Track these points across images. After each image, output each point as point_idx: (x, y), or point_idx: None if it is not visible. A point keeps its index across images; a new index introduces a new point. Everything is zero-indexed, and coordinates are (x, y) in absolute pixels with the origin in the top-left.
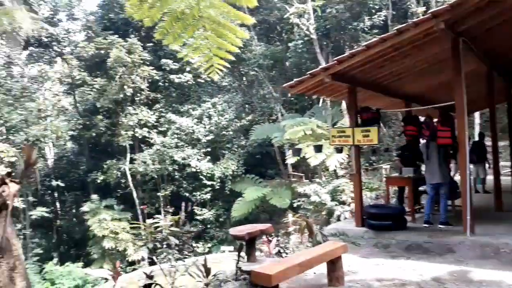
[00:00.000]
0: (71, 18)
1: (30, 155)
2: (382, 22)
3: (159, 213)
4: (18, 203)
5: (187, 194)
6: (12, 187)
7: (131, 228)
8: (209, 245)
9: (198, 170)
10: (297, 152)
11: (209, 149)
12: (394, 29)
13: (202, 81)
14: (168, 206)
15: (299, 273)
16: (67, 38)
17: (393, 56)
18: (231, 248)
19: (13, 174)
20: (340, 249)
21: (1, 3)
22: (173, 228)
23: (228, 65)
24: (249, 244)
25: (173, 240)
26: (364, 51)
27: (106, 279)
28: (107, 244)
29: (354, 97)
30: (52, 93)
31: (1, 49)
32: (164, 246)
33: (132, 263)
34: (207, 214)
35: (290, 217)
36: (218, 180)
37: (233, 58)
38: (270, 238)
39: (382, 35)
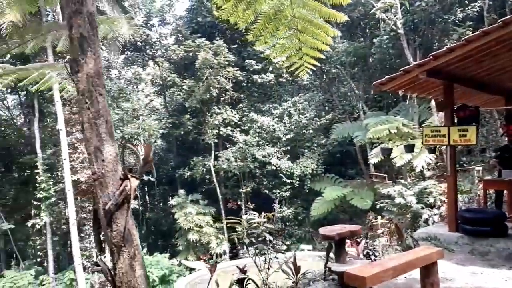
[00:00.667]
0: (162, 23)
1: (149, 153)
2: (476, 14)
3: (241, 209)
4: None
5: (267, 191)
6: (133, 182)
7: (227, 223)
8: (288, 242)
9: (278, 168)
10: (386, 151)
11: (289, 148)
12: (499, 21)
13: (284, 80)
14: (249, 203)
15: (393, 277)
16: (159, 42)
17: (496, 50)
18: (310, 247)
19: (133, 170)
20: (436, 254)
21: (103, 12)
22: (267, 225)
23: (318, 64)
24: (338, 245)
25: (268, 237)
26: (463, 45)
27: (190, 271)
28: (192, 236)
29: (450, 94)
30: (144, 94)
31: (102, 54)
32: (257, 241)
33: (215, 256)
34: (286, 212)
35: (379, 219)
36: (298, 179)
37: (323, 57)
38: (358, 240)
39: (484, 28)
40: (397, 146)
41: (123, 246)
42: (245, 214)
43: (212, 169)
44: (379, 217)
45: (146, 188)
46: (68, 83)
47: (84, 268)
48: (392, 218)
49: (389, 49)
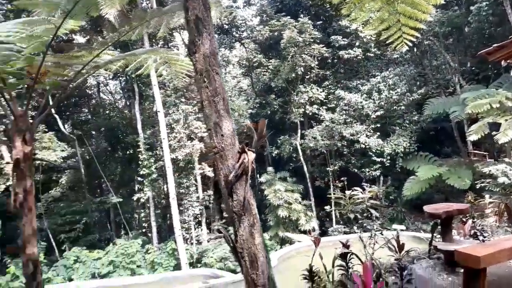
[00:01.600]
0: (247, 4)
1: (263, 129)
2: None
3: (329, 187)
4: (210, 172)
5: (355, 170)
6: (250, 155)
7: (335, 199)
8: (379, 222)
9: (367, 147)
10: (492, 128)
11: (378, 125)
12: None
13: (372, 55)
14: (337, 181)
15: (509, 259)
16: (244, 23)
17: None
18: (403, 227)
19: (249, 144)
20: None
21: None
22: (373, 201)
23: (419, 35)
24: (444, 223)
25: (374, 213)
26: None
27: (281, 245)
28: (281, 213)
29: None
30: (232, 76)
31: None
32: (362, 217)
33: (304, 232)
34: (371, 195)
35: (487, 198)
36: (388, 157)
37: (424, 27)
38: (463, 219)
39: None
40: (506, 120)
41: (243, 215)
42: (333, 192)
43: (299, 147)
44: (487, 196)
45: None
46: (164, 69)
47: (184, 239)
48: (499, 198)
49: (489, 16)
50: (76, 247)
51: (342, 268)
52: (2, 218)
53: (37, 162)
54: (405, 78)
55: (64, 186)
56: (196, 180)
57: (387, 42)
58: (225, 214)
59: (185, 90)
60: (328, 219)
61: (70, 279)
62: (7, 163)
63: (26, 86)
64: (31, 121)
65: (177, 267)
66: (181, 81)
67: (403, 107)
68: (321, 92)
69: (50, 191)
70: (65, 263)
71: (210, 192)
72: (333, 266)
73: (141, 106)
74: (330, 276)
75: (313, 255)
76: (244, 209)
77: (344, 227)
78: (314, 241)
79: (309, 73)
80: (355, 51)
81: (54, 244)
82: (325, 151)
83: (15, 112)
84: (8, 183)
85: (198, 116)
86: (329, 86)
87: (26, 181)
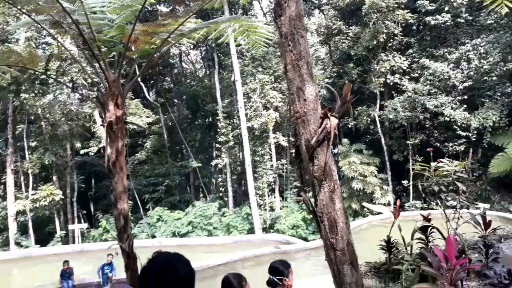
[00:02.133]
0: None
1: (347, 93)
2: None
3: (407, 161)
4: (284, 141)
5: (437, 144)
6: (333, 121)
7: (419, 169)
8: (464, 196)
9: (452, 120)
10: None
11: (465, 97)
12: None
13: (462, 21)
14: (417, 155)
15: None
16: None
17: None
18: (487, 206)
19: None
20: None
21: None
22: (460, 174)
23: None
24: None
25: (461, 186)
26: None
27: (354, 218)
28: (356, 185)
29: None
30: (309, 44)
31: (270, 6)
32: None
33: None
34: (459, 167)
35: None
36: (475, 132)
37: None
38: None
39: None
40: None
41: (324, 180)
42: (412, 167)
43: (377, 119)
44: None
45: None
46: (242, 38)
47: (258, 205)
48: None
49: None
50: (159, 207)
51: (421, 241)
52: (94, 177)
53: (126, 126)
54: (499, 46)
55: (148, 150)
56: (270, 149)
57: (482, 5)
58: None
59: (262, 60)
60: (404, 194)
61: (153, 236)
62: (101, 125)
63: (118, 53)
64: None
65: (251, 231)
66: (259, 51)
67: (494, 78)
68: (404, 60)
69: (136, 154)
70: (149, 221)
71: (284, 161)
72: (412, 239)
73: (220, 76)
74: (409, 248)
75: (392, 227)
76: (324, 174)
77: (422, 203)
78: (394, 213)
79: (391, 40)
80: (443, 17)
81: (139, 203)
82: (405, 124)
83: (109, 78)
84: (100, 145)
85: (274, 86)
86: (413, 55)
87: (118, 142)
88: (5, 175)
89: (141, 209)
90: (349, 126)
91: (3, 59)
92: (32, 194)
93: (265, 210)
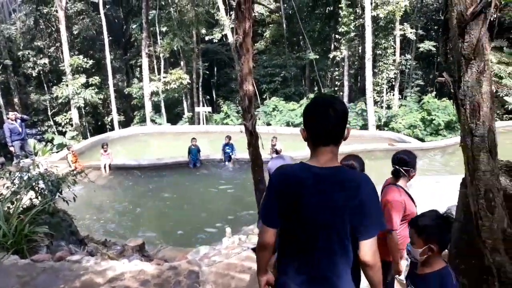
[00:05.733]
0: None
1: None
2: None
3: None
4: (411, 34)
5: None
6: None
7: None
8: None
9: None
10: None
11: None
12: None
13: None
14: None
15: None
16: None
17: None
18: None
19: None
20: None
21: None
22: None
23: None
24: None
25: None
26: None
27: None
28: (486, 88)
29: None
30: None
31: None
32: None
33: (510, 111)
34: None
35: None
36: None
37: None
38: None
39: None
40: None
41: (473, 59)
42: None
43: None
44: None
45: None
46: None
47: (374, 102)
48: None
49: None
50: (275, 97)
51: None
52: (216, 65)
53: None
54: None
55: (267, 40)
56: (395, 42)
57: None
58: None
59: None
60: None
61: (268, 124)
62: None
63: None
64: None
65: (364, 127)
66: None
67: None
68: None
69: (255, 44)
70: (265, 109)
71: (409, 56)
72: None
73: None
74: None
75: None
76: (475, 52)
77: None
78: None
79: None
80: None
81: (256, 92)
82: None
83: None
84: (223, 32)
85: None
86: None
87: (245, 23)
88: (141, 58)
89: (258, 98)
90: (491, 19)
91: None
92: (164, 77)
93: (381, 107)
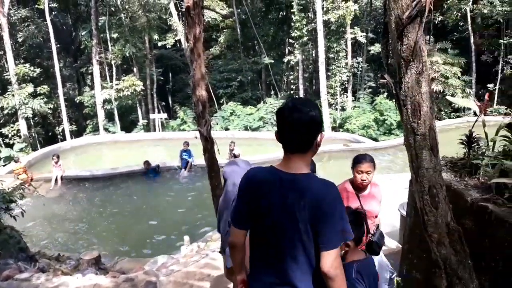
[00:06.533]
0: None
1: None
2: None
3: (497, 63)
4: (362, 37)
5: None
6: None
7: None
8: None
9: None
10: None
11: None
12: None
13: None
14: (509, 57)
15: None
16: None
17: None
18: None
19: None
20: None
21: None
22: None
23: None
24: None
25: None
26: None
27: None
28: (435, 87)
29: None
30: None
31: None
32: None
33: (457, 110)
34: None
35: None
36: None
37: None
38: None
39: None
40: None
41: (412, 61)
42: (501, 71)
43: (469, 14)
44: None
45: None
46: None
47: (329, 104)
48: None
49: None
50: (232, 102)
51: (506, 139)
52: (171, 71)
53: (203, 12)
54: None
55: (222, 45)
56: (346, 45)
57: None
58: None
59: None
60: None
61: (227, 129)
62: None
63: None
64: None
65: None
66: None
67: None
68: None
69: (210, 49)
70: (223, 114)
71: (360, 59)
72: (496, 134)
73: None
74: (491, 143)
75: (475, 122)
76: (413, 54)
77: (506, 108)
78: (480, 107)
79: None
80: None
81: (213, 97)
82: (501, 20)
83: None
84: (176, 38)
85: None
86: None
87: (195, 28)
88: (92, 65)
89: (215, 103)
90: (435, 22)
91: None
92: (116, 84)
93: (336, 109)
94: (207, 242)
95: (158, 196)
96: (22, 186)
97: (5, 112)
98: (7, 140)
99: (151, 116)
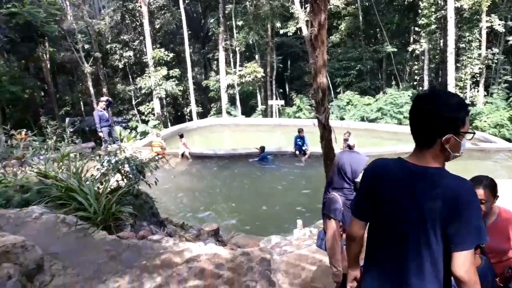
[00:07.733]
0: None
1: None
2: None
3: None
4: (499, 26)
5: None
6: None
7: None
8: None
9: None
10: None
11: None
12: None
13: None
14: None
15: None
16: None
17: None
18: None
19: None
20: None
21: None
22: None
23: None
24: None
25: None
26: None
27: None
28: None
29: None
30: None
31: None
32: None
33: None
34: None
35: None
36: None
37: None
38: None
39: None
40: None
41: None
42: None
43: None
44: None
45: None
46: None
47: None
48: None
49: None
50: (349, 91)
51: None
52: (290, 59)
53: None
54: None
55: (342, 33)
56: (480, 35)
57: None
58: None
59: None
60: None
61: (342, 118)
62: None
63: None
64: None
65: None
66: None
67: None
68: None
69: (330, 37)
70: (339, 103)
71: (496, 50)
72: None
73: None
74: None
75: None
76: None
77: None
78: None
79: None
80: None
81: (330, 86)
82: None
83: None
84: (297, 25)
85: None
86: None
87: (320, 15)
88: (218, 51)
89: (332, 92)
90: None
91: None
92: (239, 70)
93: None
94: (319, 228)
95: (273, 180)
96: (157, 157)
97: (143, 91)
98: (143, 117)
99: (269, 102)
